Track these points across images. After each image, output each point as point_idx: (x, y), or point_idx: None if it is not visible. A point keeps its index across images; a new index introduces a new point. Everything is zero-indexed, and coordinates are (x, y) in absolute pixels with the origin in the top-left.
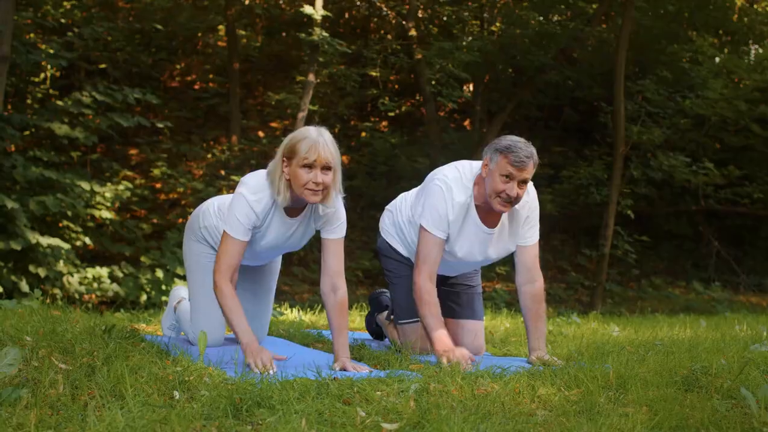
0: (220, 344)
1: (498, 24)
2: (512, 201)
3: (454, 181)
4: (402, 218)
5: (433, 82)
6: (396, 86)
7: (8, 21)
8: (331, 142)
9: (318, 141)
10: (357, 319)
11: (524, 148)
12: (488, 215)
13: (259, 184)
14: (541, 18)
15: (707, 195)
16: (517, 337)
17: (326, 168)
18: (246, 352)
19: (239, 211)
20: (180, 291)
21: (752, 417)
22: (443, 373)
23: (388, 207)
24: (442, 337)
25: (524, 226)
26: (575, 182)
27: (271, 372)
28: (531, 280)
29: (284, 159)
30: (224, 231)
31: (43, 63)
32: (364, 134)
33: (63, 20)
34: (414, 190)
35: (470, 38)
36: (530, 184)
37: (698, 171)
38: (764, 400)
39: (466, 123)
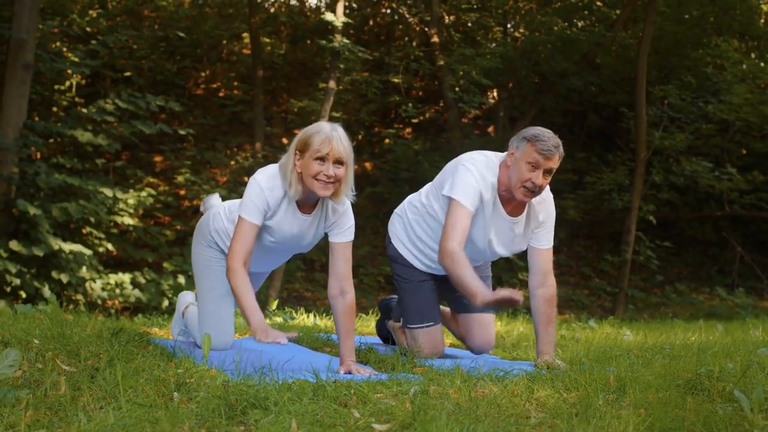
0: (228, 348)
1: (521, 30)
2: (536, 190)
3: (482, 164)
4: (410, 216)
5: (457, 89)
6: (420, 93)
7: (32, 29)
8: (344, 138)
9: (332, 135)
10: (372, 323)
11: (551, 138)
12: (509, 205)
13: (273, 173)
14: (566, 24)
15: (732, 200)
16: (528, 342)
17: (338, 162)
18: (256, 332)
19: (253, 194)
20: (187, 296)
21: (745, 419)
22: (442, 373)
23: (396, 211)
24: (479, 288)
25: (538, 229)
26: (598, 188)
27: (283, 341)
28: (545, 284)
29: (297, 152)
30: (239, 216)
31: (68, 71)
32: (387, 141)
33: (89, 29)
34: (423, 189)
35: (493, 45)
36: (548, 190)
37: (721, 176)
38: (758, 402)
39: (491, 129)
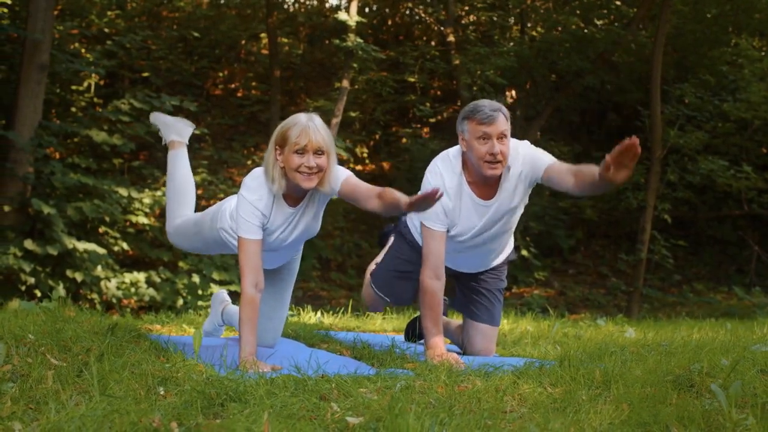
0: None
1: (538, 29)
2: (499, 159)
3: (443, 165)
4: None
5: (475, 88)
6: (438, 92)
7: (47, 30)
8: (322, 127)
9: (308, 126)
10: (379, 320)
11: (488, 104)
12: (483, 189)
13: (255, 181)
14: (582, 24)
15: (750, 199)
16: (529, 339)
17: (318, 152)
18: (244, 363)
19: (245, 212)
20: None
21: (720, 413)
22: (430, 368)
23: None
24: (437, 343)
25: (534, 173)
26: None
27: (266, 369)
28: (576, 170)
29: (276, 147)
30: (239, 236)
31: (85, 72)
32: (404, 140)
33: (107, 30)
34: None
35: (511, 44)
36: (522, 145)
37: (738, 175)
38: (734, 396)
39: None
